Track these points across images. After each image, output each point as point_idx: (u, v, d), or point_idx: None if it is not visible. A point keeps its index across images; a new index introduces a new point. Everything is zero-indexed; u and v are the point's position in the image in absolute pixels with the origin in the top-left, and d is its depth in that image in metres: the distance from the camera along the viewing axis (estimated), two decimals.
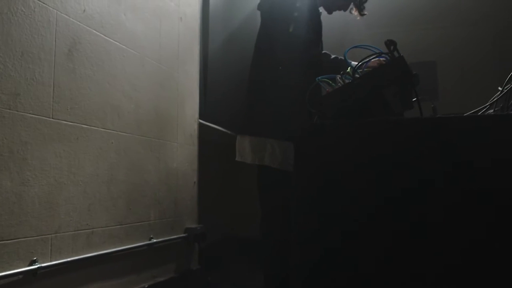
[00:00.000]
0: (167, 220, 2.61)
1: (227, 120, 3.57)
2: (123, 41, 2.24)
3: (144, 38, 2.44)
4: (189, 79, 2.95)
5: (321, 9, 2.53)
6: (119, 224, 2.17)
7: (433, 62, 4.67)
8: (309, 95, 1.82)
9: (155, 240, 2.43)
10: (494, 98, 1.82)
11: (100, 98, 2.06)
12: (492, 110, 1.82)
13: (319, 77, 1.85)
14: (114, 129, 2.15)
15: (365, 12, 2.52)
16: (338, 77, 1.92)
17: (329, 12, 2.52)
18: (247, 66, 2.35)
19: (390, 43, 1.80)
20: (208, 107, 3.35)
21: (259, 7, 2.46)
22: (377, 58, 1.85)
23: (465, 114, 1.61)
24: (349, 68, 1.84)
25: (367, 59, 1.80)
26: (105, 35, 2.10)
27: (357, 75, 1.83)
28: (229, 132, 3.53)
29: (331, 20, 2.60)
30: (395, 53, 1.78)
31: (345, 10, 2.51)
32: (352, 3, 2.49)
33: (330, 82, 1.81)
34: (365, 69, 1.83)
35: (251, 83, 2.38)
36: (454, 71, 4.61)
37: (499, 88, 1.81)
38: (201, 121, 3.11)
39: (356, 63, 1.82)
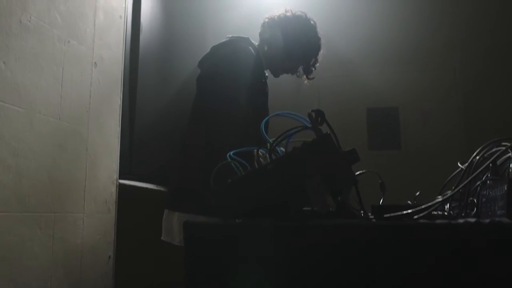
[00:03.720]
0: None
1: (160, 175, 3.13)
2: None
3: (36, 90, 1.99)
4: (105, 134, 2.50)
5: (267, 72, 2.25)
6: None
7: (395, 108, 4.36)
8: (214, 178, 1.41)
9: None
10: (448, 194, 1.43)
11: None
12: (447, 205, 1.43)
13: (231, 153, 1.45)
14: None
15: (313, 76, 2.26)
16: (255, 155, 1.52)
17: (276, 75, 2.26)
18: (184, 116, 1.96)
19: (316, 115, 1.40)
20: (135, 163, 2.90)
21: (201, 64, 2.12)
22: None
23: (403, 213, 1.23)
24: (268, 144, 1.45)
25: (289, 134, 1.41)
26: None
27: (274, 156, 1.42)
28: (162, 189, 3.08)
29: None
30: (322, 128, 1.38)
31: (292, 73, 2.27)
32: (300, 67, 2.25)
33: (239, 166, 1.39)
34: (288, 147, 1.43)
35: (185, 157, 2.00)
36: (417, 117, 4.32)
37: (459, 165, 1.43)
38: (122, 181, 2.65)
39: None
